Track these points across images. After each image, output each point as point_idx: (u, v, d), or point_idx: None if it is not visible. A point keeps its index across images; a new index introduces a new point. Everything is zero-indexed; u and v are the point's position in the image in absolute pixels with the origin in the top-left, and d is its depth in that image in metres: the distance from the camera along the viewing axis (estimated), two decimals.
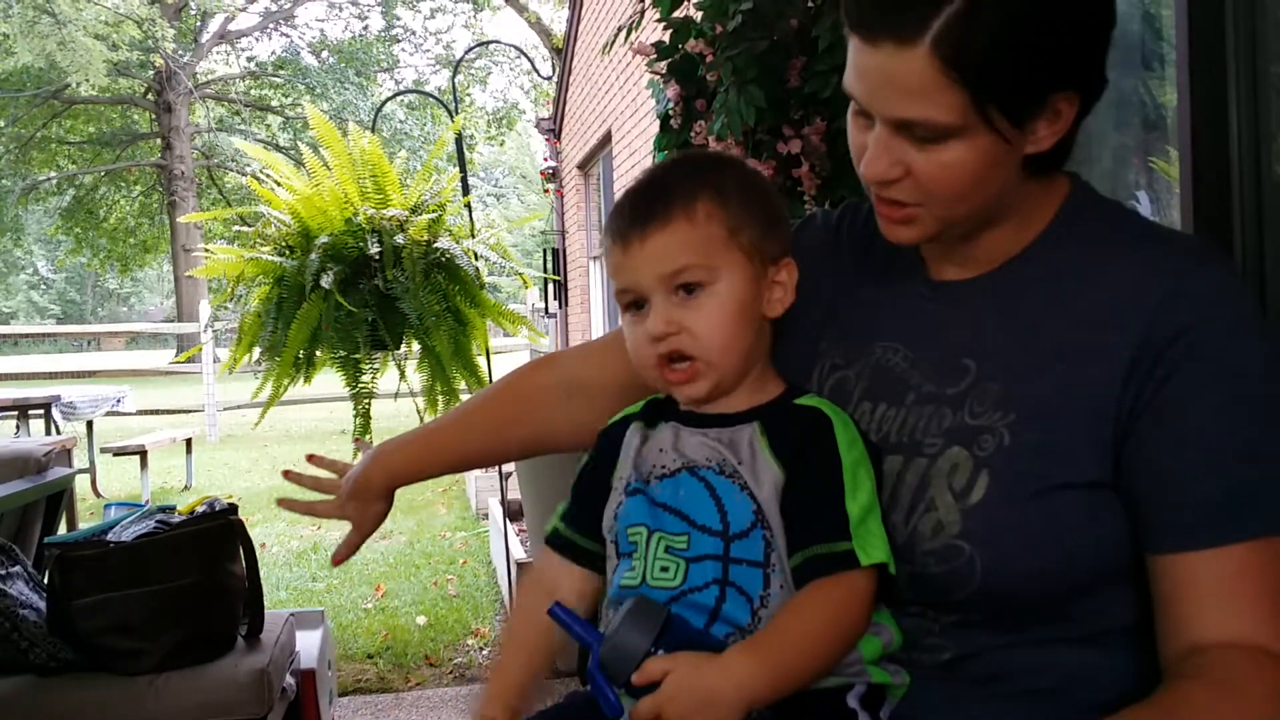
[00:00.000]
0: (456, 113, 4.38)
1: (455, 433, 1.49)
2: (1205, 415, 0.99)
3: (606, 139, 9.49)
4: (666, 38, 3.50)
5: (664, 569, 1.03)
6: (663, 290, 1.06)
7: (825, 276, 1.23)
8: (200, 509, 2.67)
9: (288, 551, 6.18)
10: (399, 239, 3.51)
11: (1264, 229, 2.22)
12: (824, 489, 1.01)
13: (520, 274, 4.16)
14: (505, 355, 11.73)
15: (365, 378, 3.55)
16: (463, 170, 4.22)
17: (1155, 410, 1.00)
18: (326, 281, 3.33)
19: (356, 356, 3.51)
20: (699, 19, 3.38)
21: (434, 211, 3.75)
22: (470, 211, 4.14)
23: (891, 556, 1.00)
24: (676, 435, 1.09)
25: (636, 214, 1.08)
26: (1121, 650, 1.06)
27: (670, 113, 3.53)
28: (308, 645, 3.00)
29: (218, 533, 2.60)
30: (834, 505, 1.00)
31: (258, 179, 3.77)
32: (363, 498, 1.50)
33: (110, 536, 2.54)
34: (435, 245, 3.62)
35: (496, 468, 5.26)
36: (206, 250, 3.77)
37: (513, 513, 5.25)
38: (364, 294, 3.49)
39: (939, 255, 1.17)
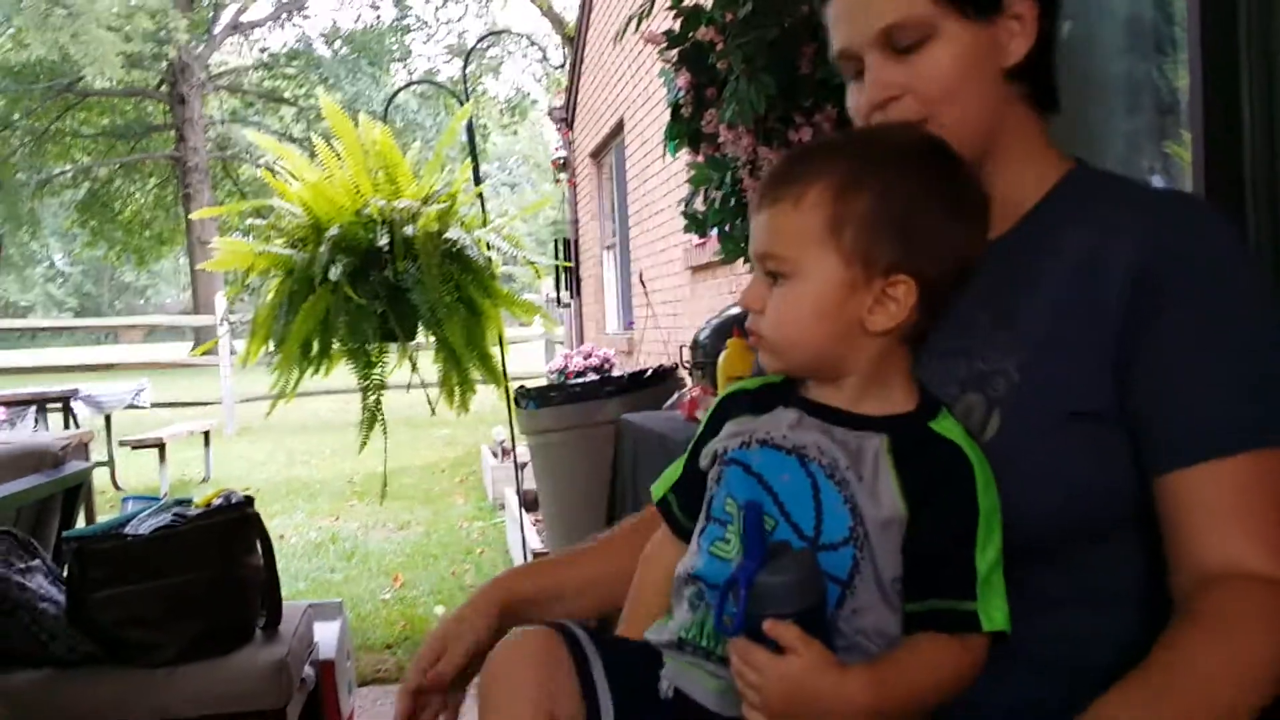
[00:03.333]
0: (468, 102, 4.38)
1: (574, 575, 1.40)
2: (1195, 339, 1.04)
3: (619, 128, 9.47)
4: (677, 26, 3.49)
5: None
6: (759, 267, 1.04)
7: None
8: (217, 501, 2.67)
9: (306, 542, 6.21)
10: (409, 230, 3.51)
11: (1277, 213, 2.21)
12: (955, 539, 0.97)
13: (532, 263, 4.16)
14: (519, 345, 11.76)
15: (375, 370, 3.55)
16: (474, 160, 4.22)
17: (1150, 340, 1.05)
18: (335, 273, 3.34)
19: (366, 349, 3.51)
20: (709, 6, 3.37)
21: (445, 202, 3.75)
22: (483, 201, 4.14)
23: (1009, 621, 0.97)
24: (800, 419, 1.03)
25: (768, 183, 1.04)
26: (1132, 618, 1.08)
27: (681, 101, 3.52)
28: (326, 636, 3.00)
29: (234, 525, 2.60)
30: (963, 558, 0.96)
31: (271, 171, 3.78)
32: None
33: (128, 530, 2.55)
34: (446, 236, 3.62)
35: (512, 457, 5.27)
36: (218, 243, 3.78)
37: (529, 503, 5.27)
38: (374, 286, 3.50)
39: None
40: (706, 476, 1.09)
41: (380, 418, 3.64)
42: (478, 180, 4.12)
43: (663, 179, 7.36)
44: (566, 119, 12.64)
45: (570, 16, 15.98)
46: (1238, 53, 2.24)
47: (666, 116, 3.69)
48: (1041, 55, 1.16)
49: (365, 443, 3.67)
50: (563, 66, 12.51)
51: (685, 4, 3.51)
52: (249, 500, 2.69)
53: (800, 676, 0.89)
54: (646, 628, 1.11)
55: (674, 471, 1.17)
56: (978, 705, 1.02)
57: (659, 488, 1.18)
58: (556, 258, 11.59)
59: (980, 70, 1.13)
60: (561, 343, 12.44)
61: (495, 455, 7.43)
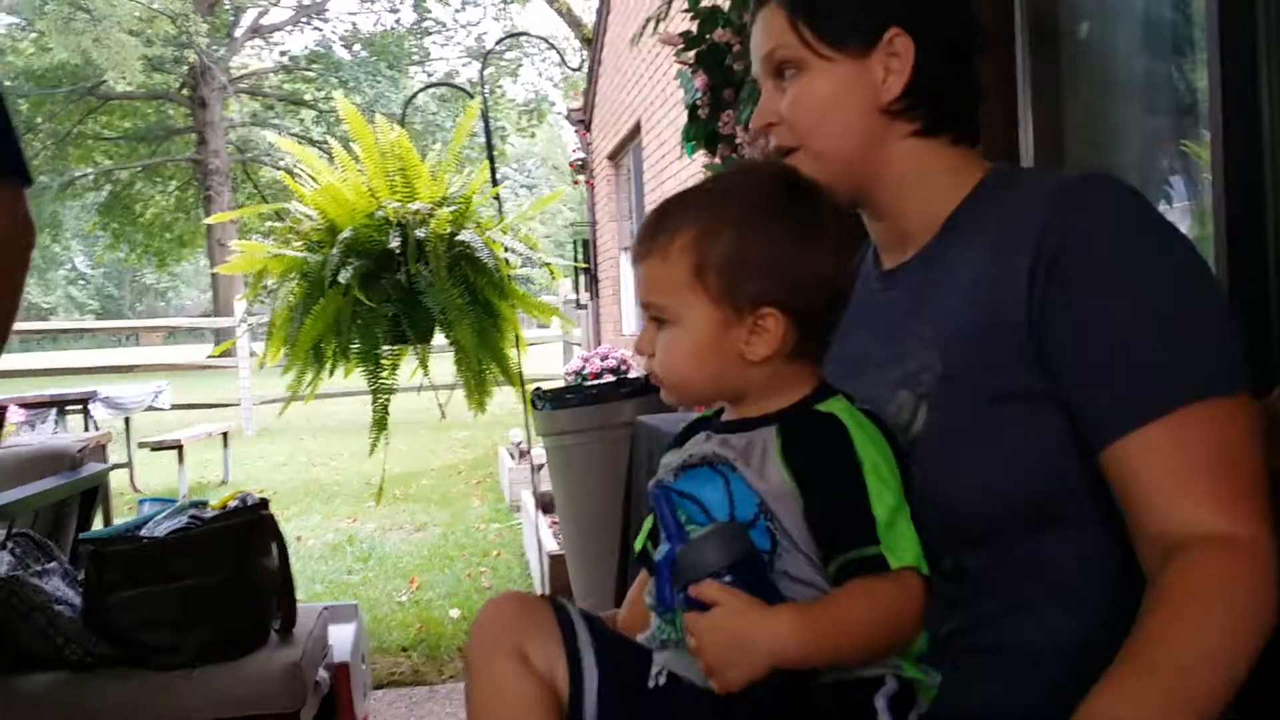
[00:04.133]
0: (487, 105, 4.38)
1: None
2: (1102, 310, 1.05)
3: (636, 130, 9.47)
4: (694, 28, 3.49)
5: None
6: (646, 315, 1.13)
7: None
8: (233, 504, 2.67)
9: (323, 544, 6.22)
10: (421, 232, 3.52)
11: None
12: (845, 495, 1.01)
13: (548, 265, 4.16)
14: (537, 346, 11.77)
15: (384, 373, 3.56)
16: (491, 161, 4.22)
17: (1058, 318, 1.06)
18: (345, 276, 3.34)
19: (377, 351, 3.52)
20: (726, 8, 3.37)
21: (460, 204, 3.75)
22: (500, 203, 4.14)
23: (923, 559, 1.00)
24: (708, 438, 1.13)
25: (639, 237, 1.13)
26: (1097, 612, 1.08)
27: (698, 103, 3.52)
28: (341, 639, 3.00)
29: (250, 527, 2.60)
30: (857, 510, 1.01)
31: (290, 173, 3.79)
32: None
33: (144, 532, 2.56)
34: (458, 238, 3.62)
35: (529, 459, 5.26)
36: (235, 246, 3.79)
37: (545, 504, 5.26)
38: (386, 288, 3.50)
39: (886, 249, 1.28)
40: None
41: (387, 421, 3.64)
42: (495, 182, 4.11)
43: (680, 180, 7.36)
44: (584, 121, 12.65)
45: (588, 19, 15.99)
46: (1256, 53, 2.22)
47: (683, 118, 3.69)
48: (926, 89, 1.18)
49: (375, 445, 3.67)
50: (580, 69, 12.49)
51: (702, 6, 3.51)
52: (264, 503, 2.69)
53: (727, 622, 0.96)
54: None
55: (648, 523, 1.21)
56: (949, 703, 1.05)
57: (639, 540, 1.22)
58: (575, 259, 11.59)
59: (848, 106, 1.18)
60: (579, 344, 12.45)
61: (512, 457, 7.43)
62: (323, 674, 2.74)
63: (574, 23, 18.72)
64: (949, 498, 1.07)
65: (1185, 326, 1.04)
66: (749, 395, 1.12)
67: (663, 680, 1.05)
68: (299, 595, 2.73)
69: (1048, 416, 1.08)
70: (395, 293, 3.53)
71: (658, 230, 1.11)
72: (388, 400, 3.60)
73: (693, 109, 3.59)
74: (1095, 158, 2.89)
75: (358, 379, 3.71)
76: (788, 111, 1.20)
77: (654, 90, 8.21)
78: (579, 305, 12.17)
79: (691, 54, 3.53)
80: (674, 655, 1.07)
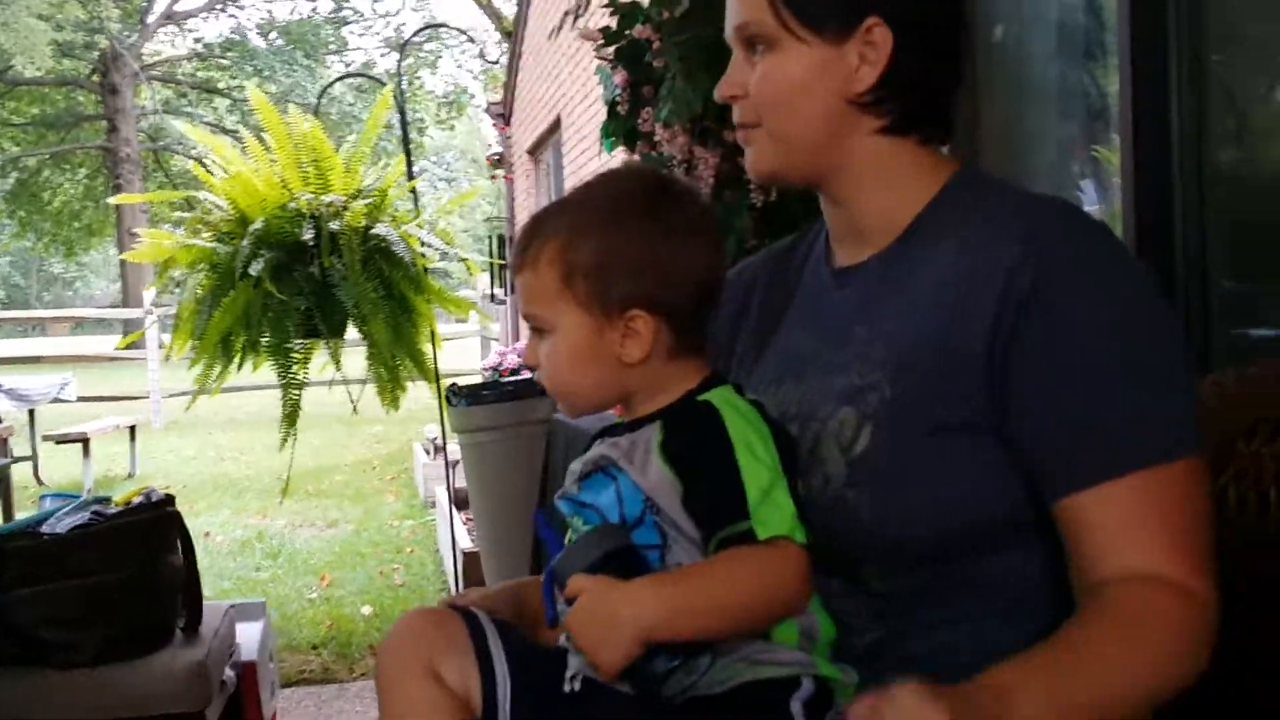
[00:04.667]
0: (403, 97, 4.33)
1: None
2: (1068, 362, 1.02)
3: (556, 124, 9.44)
4: (614, 23, 3.47)
5: None
6: (529, 326, 1.14)
7: (756, 294, 1.33)
8: (137, 500, 2.61)
9: (232, 541, 6.11)
10: (335, 225, 3.47)
11: (1205, 218, 2.24)
12: (718, 476, 1.02)
13: (465, 260, 4.12)
14: (455, 341, 11.67)
15: (295, 367, 3.50)
16: (407, 153, 4.17)
17: (1021, 363, 1.03)
18: (256, 268, 3.28)
19: (288, 345, 3.46)
20: (646, 4, 3.36)
21: (376, 196, 3.70)
22: (416, 196, 4.09)
23: (797, 527, 1.01)
24: (600, 443, 1.13)
25: (514, 252, 1.15)
26: (1042, 627, 1.05)
27: (618, 99, 3.50)
28: (248, 637, 2.95)
29: (154, 524, 2.54)
30: (731, 490, 1.01)
31: (201, 163, 3.72)
32: None
33: (45, 528, 2.48)
34: (373, 231, 3.57)
35: (443, 455, 5.22)
36: (142, 235, 3.71)
37: (460, 501, 5.21)
38: (298, 281, 3.44)
39: (839, 240, 1.24)
40: None
41: (298, 415, 3.58)
42: (411, 175, 4.07)
43: None
44: (504, 114, 12.58)
45: (508, 11, 15.91)
46: (1167, 60, 2.26)
47: (604, 114, 3.67)
48: (900, 86, 1.13)
49: (285, 440, 3.61)
50: (498, 62, 12.42)
51: (622, 1, 3.49)
52: (170, 499, 2.63)
53: (591, 605, 0.97)
54: None
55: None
56: None
57: None
58: (492, 254, 11.52)
59: (817, 91, 1.13)
60: (497, 339, 12.37)
61: (427, 453, 7.37)
62: (229, 673, 2.70)
63: (494, 15, 18.60)
64: (890, 521, 1.05)
65: (1152, 383, 1.02)
66: (636, 396, 1.13)
67: (578, 685, 1.03)
68: (206, 593, 2.68)
69: (994, 449, 1.05)
70: (308, 286, 3.48)
71: (529, 242, 1.12)
72: (299, 395, 3.55)
73: (612, 105, 3.57)
74: (1009, 162, 2.94)
75: (270, 372, 3.65)
76: (754, 88, 1.15)
77: (574, 85, 8.19)
78: (495, 300, 12.09)
79: (611, 50, 3.51)
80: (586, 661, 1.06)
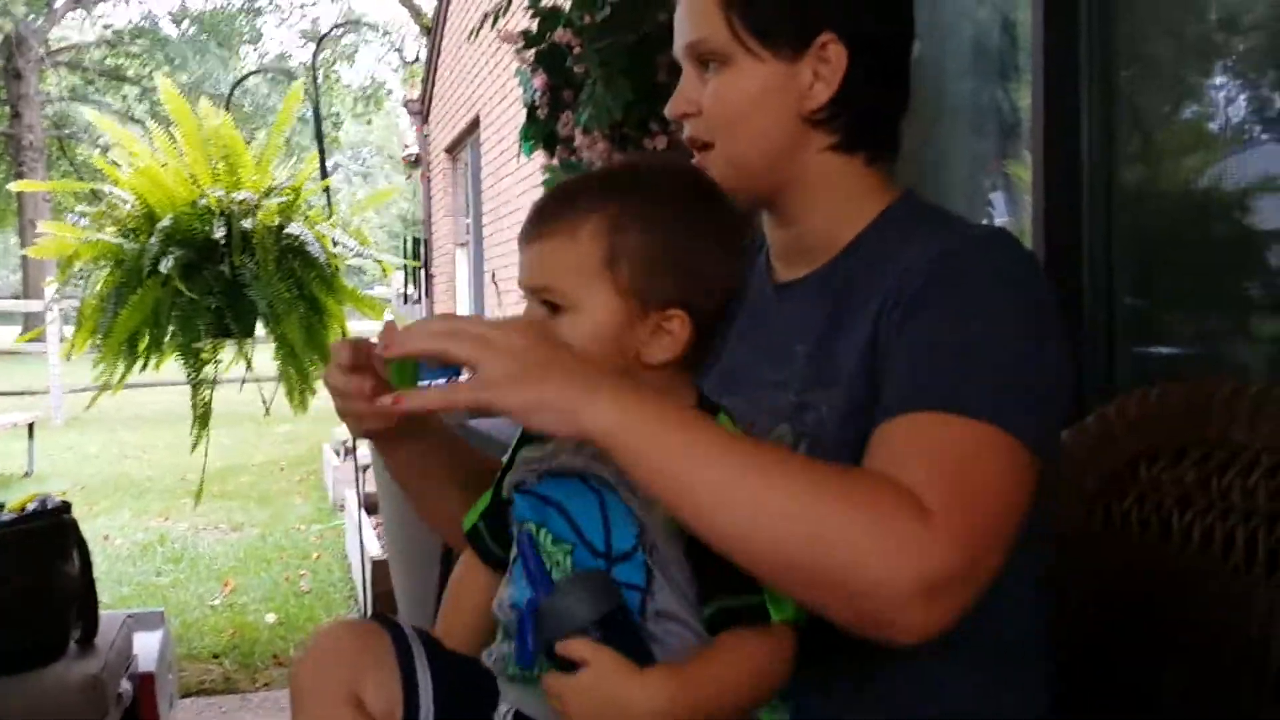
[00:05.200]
0: (318, 92, 4.24)
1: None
2: (924, 328, 1.01)
3: (475, 124, 9.36)
4: (535, 26, 3.45)
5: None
6: (532, 298, 1.03)
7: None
8: (31, 506, 2.52)
9: (132, 544, 5.94)
10: (247, 223, 3.39)
11: (1111, 236, 2.28)
12: None
13: (380, 261, 4.06)
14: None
15: (207, 367, 3.41)
16: (321, 151, 4.10)
17: (891, 342, 1.03)
18: (166, 266, 3.19)
19: (197, 345, 3.37)
20: (568, 9, 3.34)
21: (289, 194, 3.62)
22: (329, 195, 4.02)
23: (801, 611, 0.95)
24: (579, 445, 1.00)
25: (536, 217, 1.04)
26: (973, 662, 1.05)
27: (537, 102, 3.48)
28: (146, 647, 2.88)
29: (48, 532, 2.46)
30: None
31: (107, 154, 3.60)
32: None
33: None
34: (287, 230, 3.50)
35: (353, 458, 5.13)
36: (44, 228, 3.59)
37: (370, 506, 5.13)
38: (209, 280, 3.36)
39: (781, 257, 1.24)
40: (497, 497, 1.11)
41: (210, 417, 3.50)
42: (325, 173, 3.99)
43: (519, 178, 7.30)
44: (422, 112, 12.45)
45: (428, 7, 15.76)
46: (1078, 79, 2.30)
47: (522, 115, 3.64)
48: (852, 104, 1.13)
49: (198, 443, 3.52)
50: (417, 60, 12.28)
51: (543, 5, 3.47)
52: (66, 506, 2.54)
53: (597, 686, 0.90)
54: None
55: (484, 500, 1.14)
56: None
57: (470, 517, 1.15)
58: (406, 255, 11.38)
59: (770, 108, 1.13)
60: None
61: (337, 454, 7.24)
62: (125, 685, 2.64)
63: (413, 10, 18.40)
64: None
65: (993, 357, 0.99)
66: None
67: (509, 719, 1.00)
68: (104, 599, 2.62)
69: None
70: (218, 285, 3.39)
71: (563, 210, 1.02)
72: (210, 395, 3.46)
73: (531, 108, 3.55)
74: (923, 178, 2.96)
75: (174, 369, 3.55)
76: (708, 105, 1.15)
77: (494, 85, 8.13)
78: (407, 300, 11.95)
79: (531, 52, 3.49)
80: (524, 693, 1.01)
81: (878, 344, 1.05)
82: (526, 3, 3.51)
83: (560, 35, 3.32)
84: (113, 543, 5.93)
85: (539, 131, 3.52)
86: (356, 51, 29.05)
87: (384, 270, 4.08)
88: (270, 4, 29.74)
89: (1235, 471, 1.24)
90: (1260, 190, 2.12)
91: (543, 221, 1.03)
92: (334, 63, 27.70)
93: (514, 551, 1.06)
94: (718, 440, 0.91)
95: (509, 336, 0.92)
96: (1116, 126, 2.30)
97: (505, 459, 1.11)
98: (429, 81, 12.12)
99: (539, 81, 3.48)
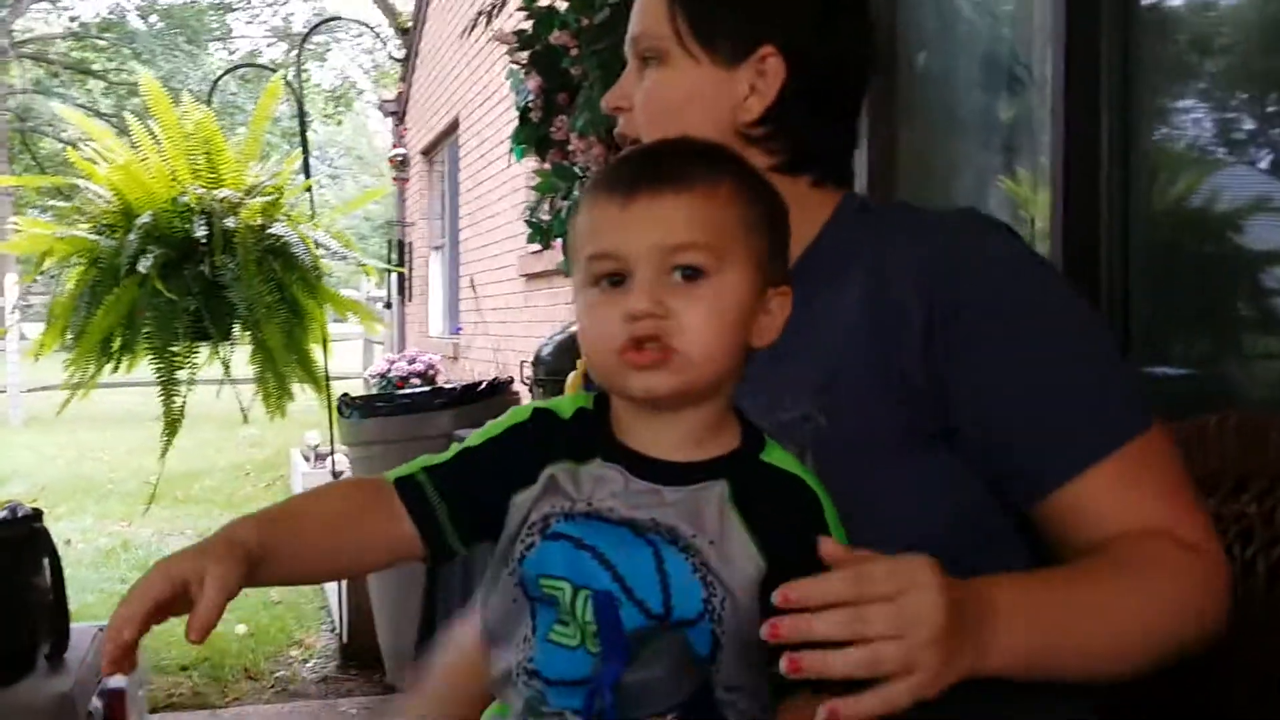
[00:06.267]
0: (301, 91, 4.15)
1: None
2: (1018, 362, 1.01)
3: (454, 126, 9.26)
4: (529, 26, 3.37)
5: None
6: (657, 265, 0.88)
7: None
8: (0, 514, 2.42)
9: (95, 550, 5.81)
10: (230, 222, 3.30)
11: (1130, 262, 2.23)
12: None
13: (363, 265, 3.98)
14: (336, 343, 11.38)
15: (181, 371, 3.31)
16: (305, 150, 4.01)
17: (969, 374, 1.01)
18: (144, 265, 3.10)
19: (173, 348, 3.27)
20: (564, 10, 3.26)
21: (272, 193, 3.54)
22: (312, 195, 3.94)
23: None
24: (626, 484, 0.90)
25: (648, 170, 0.91)
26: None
27: (530, 105, 3.40)
28: None
29: (18, 542, 2.38)
30: None
31: (76, 148, 3.51)
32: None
33: None
34: (270, 231, 3.41)
35: (329, 465, 5.02)
36: (17, 222, 3.48)
37: None
38: (188, 280, 3.27)
39: None
40: (486, 482, 0.93)
41: (180, 424, 3.39)
42: (307, 172, 3.90)
43: (499, 182, 7.21)
44: (397, 113, 12.34)
45: (403, 6, 15.64)
46: (1099, 104, 2.24)
47: (505, 117, 3.58)
48: (788, 124, 1.11)
49: (167, 449, 3.42)
50: (403, 58, 12.15)
51: (538, 5, 3.39)
52: (38, 514, 2.45)
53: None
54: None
55: (434, 460, 0.96)
56: None
57: (407, 469, 0.95)
58: (390, 260, 11.24)
59: (704, 114, 1.10)
60: (381, 343, 12.11)
61: (307, 459, 7.10)
62: (96, 702, 2.58)
63: (388, 10, 18.27)
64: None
65: (1098, 364, 1.02)
66: (719, 396, 0.92)
67: None
68: (69, 610, 2.53)
69: (948, 459, 1.03)
70: (197, 285, 3.31)
71: (690, 164, 0.91)
72: (183, 401, 3.35)
73: (524, 111, 3.47)
74: (927, 190, 2.91)
75: (138, 368, 3.45)
76: (639, 101, 1.14)
77: (475, 87, 8.04)
78: (386, 305, 11.82)
79: (525, 54, 3.40)
80: None
81: (908, 362, 1.02)
82: (520, 3, 3.43)
83: (556, 37, 3.24)
84: (75, 548, 5.80)
85: (531, 135, 3.43)
86: (328, 50, 28.88)
87: (367, 273, 4.00)
88: (240, 0, 29.50)
89: None
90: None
91: (667, 175, 0.90)
92: (305, 62, 27.52)
93: (529, 611, 0.91)
94: (1055, 600, 0.92)
95: (926, 614, 0.78)
96: (1138, 153, 2.26)
97: (496, 431, 0.96)
98: (406, 82, 12.01)
99: (532, 84, 3.40)
